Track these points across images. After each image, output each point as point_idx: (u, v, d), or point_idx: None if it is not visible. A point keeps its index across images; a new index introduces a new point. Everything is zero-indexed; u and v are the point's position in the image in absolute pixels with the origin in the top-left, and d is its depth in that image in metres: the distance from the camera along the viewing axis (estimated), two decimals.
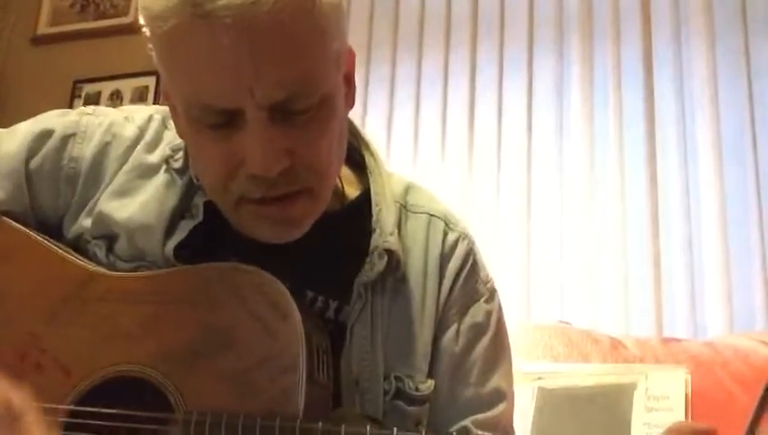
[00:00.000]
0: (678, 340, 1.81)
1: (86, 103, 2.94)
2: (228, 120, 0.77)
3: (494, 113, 2.47)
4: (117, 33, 3.03)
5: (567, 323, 1.96)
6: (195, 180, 0.92)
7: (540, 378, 1.65)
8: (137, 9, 3.00)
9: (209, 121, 0.78)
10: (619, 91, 2.35)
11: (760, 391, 0.73)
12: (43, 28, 3.14)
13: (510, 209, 2.36)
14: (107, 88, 2.95)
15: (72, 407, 0.82)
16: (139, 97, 2.90)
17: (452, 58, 2.57)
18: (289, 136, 0.78)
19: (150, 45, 0.80)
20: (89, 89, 2.98)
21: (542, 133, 2.41)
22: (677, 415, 1.48)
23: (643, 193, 2.24)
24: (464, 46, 2.55)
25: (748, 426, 0.71)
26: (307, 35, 0.75)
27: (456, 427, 0.93)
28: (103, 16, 3.07)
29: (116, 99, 2.92)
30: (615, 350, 1.73)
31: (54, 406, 0.82)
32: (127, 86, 2.93)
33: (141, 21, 0.79)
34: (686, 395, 1.53)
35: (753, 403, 0.72)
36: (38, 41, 3.13)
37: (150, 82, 2.90)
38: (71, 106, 2.94)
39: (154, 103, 2.86)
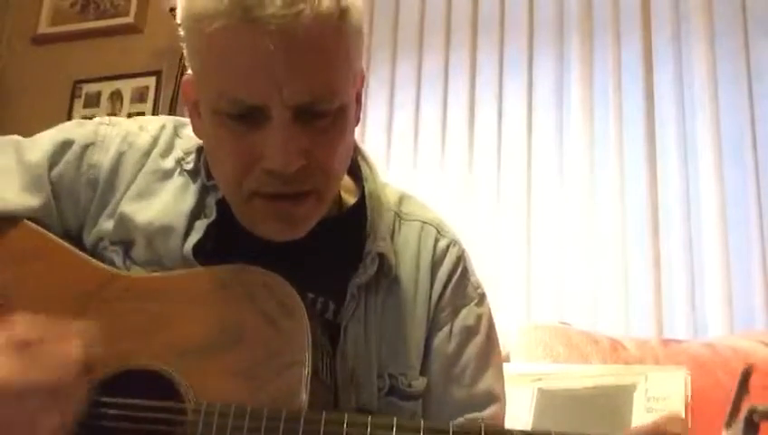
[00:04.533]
0: (678, 341, 1.81)
1: (86, 103, 2.94)
2: (252, 117, 0.83)
3: (494, 113, 2.47)
4: (117, 33, 3.04)
5: (567, 323, 1.96)
6: (206, 180, 0.98)
7: (540, 379, 1.65)
8: (137, 9, 3.01)
9: (235, 114, 0.83)
10: (619, 91, 2.35)
11: (739, 377, 0.74)
12: (44, 28, 3.14)
13: (510, 209, 2.37)
14: (107, 88, 2.95)
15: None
16: (140, 97, 2.90)
17: (452, 59, 2.57)
18: (308, 138, 0.84)
19: (185, 39, 0.87)
20: (89, 89, 2.98)
21: (542, 133, 2.41)
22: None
23: (643, 193, 2.25)
24: (464, 47, 2.55)
25: (728, 413, 0.73)
26: (335, 51, 0.84)
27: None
28: (104, 16, 3.07)
29: (116, 99, 2.93)
30: (615, 351, 1.73)
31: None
32: (127, 86, 2.93)
33: (180, 15, 0.86)
34: (686, 396, 1.53)
35: (733, 389, 0.74)
36: (38, 41, 3.14)
37: (150, 82, 2.91)
38: (71, 106, 2.95)
39: (153, 103, 2.87)
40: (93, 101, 2.95)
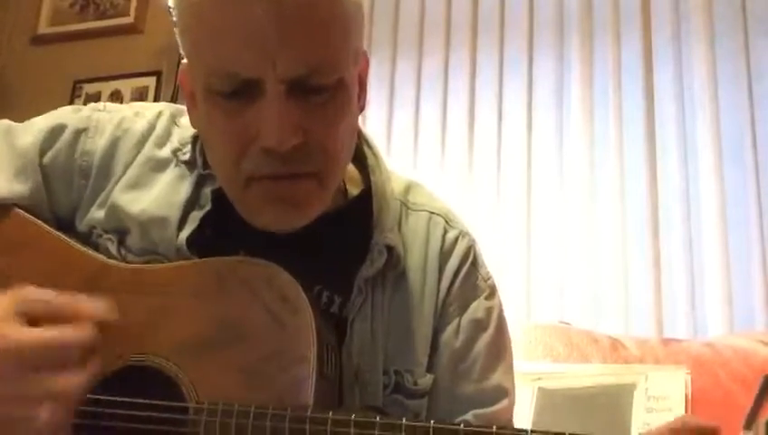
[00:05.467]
0: (678, 340, 1.81)
1: (86, 103, 2.93)
2: (246, 93, 0.80)
3: (494, 113, 2.47)
4: (117, 33, 3.04)
5: (567, 323, 1.96)
6: (202, 169, 0.94)
7: (540, 378, 1.65)
8: (137, 9, 3.01)
9: (228, 91, 0.80)
10: (619, 91, 2.35)
11: (759, 383, 0.73)
12: (43, 28, 3.14)
13: (510, 209, 2.37)
14: (107, 88, 2.95)
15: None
16: (140, 97, 2.90)
17: (452, 58, 2.57)
18: (304, 114, 0.80)
19: (176, 20, 0.84)
20: (89, 89, 2.98)
21: (542, 133, 2.41)
22: (677, 416, 1.48)
23: (643, 193, 2.24)
24: (464, 47, 2.55)
25: (747, 416, 0.72)
26: (330, 21, 0.80)
27: (458, 420, 0.93)
28: (103, 16, 3.07)
29: (116, 99, 2.92)
30: (615, 350, 1.73)
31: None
32: (127, 86, 2.93)
33: None
34: (686, 396, 1.53)
35: (753, 394, 0.73)
36: (38, 41, 3.13)
37: (150, 82, 2.91)
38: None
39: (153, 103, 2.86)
40: (93, 101, 2.88)
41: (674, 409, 1.51)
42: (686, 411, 1.50)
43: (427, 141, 2.52)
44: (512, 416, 1.00)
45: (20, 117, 1.03)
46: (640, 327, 2.12)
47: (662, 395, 1.53)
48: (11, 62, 3.14)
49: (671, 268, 2.17)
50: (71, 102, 2.96)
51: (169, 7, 0.85)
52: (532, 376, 1.65)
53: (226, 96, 0.81)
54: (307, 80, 0.79)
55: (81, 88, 2.99)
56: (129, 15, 3.02)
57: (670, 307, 2.14)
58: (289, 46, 0.77)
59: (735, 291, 2.08)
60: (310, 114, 0.81)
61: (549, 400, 1.61)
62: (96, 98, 2.95)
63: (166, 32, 2.84)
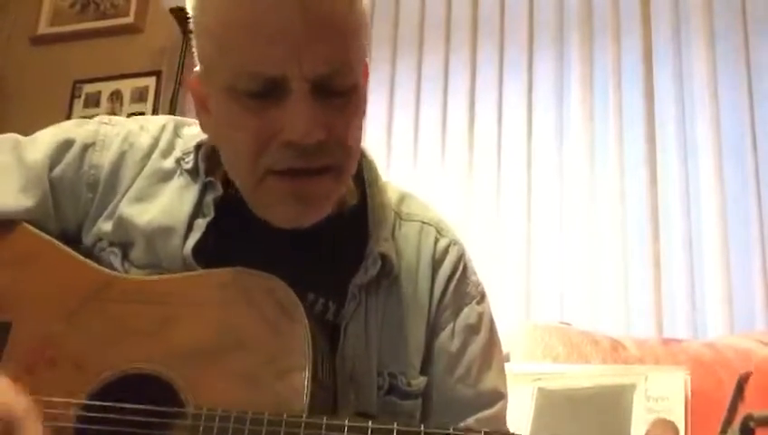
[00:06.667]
0: (678, 340, 1.81)
1: (86, 103, 2.94)
2: (271, 94, 0.83)
3: (494, 114, 2.47)
4: (117, 34, 3.04)
5: (567, 323, 1.96)
6: (204, 177, 0.97)
7: (540, 378, 1.64)
8: (137, 9, 3.01)
9: (253, 90, 0.83)
10: (619, 91, 2.36)
11: (735, 383, 0.74)
12: (43, 28, 3.14)
13: (510, 209, 2.37)
14: (107, 88, 2.96)
15: (84, 401, 0.85)
16: (140, 97, 2.90)
17: (452, 59, 2.57)
18: (327, 113, 0.84)
19: (194, 25, 0.87)
20: (89, 89, 2.98)
21: (542, 133, 2.41)
22: (677, 416, 1.48)
23: (643, 193, 2.25)
24: (464, 47, 2.55)
25: (723, 420, 0.73)
26: (348, 25, 0.84)
27: (460, 426, 0.94)
28: (103, 16, 3.07)
29: (116, 99, 2.93)
30: (615, 351, 1.73)
31: (66, 400, 0.85)
32: (127, 86, 2.93)
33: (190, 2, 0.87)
34: (686, 396, 1.53)
35: (729, 395, 0.74)
36: (38, 41, 3.14)
37: (150, 82, 2.91)
38: (71, 106, 2.95)
39: (153, 103, 2.87)
40: (93, 101, 2.95)
41: (674, 410, 1.51)
42: (685, 412, 1.50)
43: (427, 142, 2.52)
44: (506, 417, 1.02)
45: (20, 117, 1.04)
46: (640, 328, 2.12)
47: (662, 396, 1.53)
48: (11, 62, 3.14)
49: (671, 268, 2.17)
50: (70, 102, 2.96)
51: (186, 14, 0.88)
52: (532, 376, 1.65)
53: (252, 96, 0.83)
54: (329, 81, 0.83)
55: (81, 88, 2.99)
56: (129, 15, 3.03)
57: (670, 307, 2.14)
58: (315, 45, 0.81)
59: (735, 291, 2.08)
60: (331, 114, 0.84)
61: (548, 400, 1.61)
62: (96, 98, 2.95)
63: (166, 32, 2.84)
